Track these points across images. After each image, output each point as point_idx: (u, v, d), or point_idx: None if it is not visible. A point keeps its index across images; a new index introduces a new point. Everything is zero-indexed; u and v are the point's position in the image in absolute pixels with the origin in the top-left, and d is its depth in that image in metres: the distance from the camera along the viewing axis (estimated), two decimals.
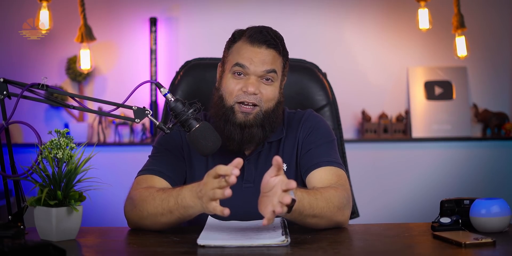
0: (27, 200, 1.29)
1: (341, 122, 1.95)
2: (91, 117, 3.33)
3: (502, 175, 3.33)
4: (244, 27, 1.59)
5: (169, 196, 1.34)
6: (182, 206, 1.31)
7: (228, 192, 1.19)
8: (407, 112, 3.37)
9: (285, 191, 1.19)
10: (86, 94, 3.31)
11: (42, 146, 1.28)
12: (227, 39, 1.60)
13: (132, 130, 3.33)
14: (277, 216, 1.34)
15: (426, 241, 1.27)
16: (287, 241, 1.21)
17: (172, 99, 1.38)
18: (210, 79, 1.84)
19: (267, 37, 1.52)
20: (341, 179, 1.50)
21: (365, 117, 3.34)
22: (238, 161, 1.21)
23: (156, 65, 3.31)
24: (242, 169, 1.39)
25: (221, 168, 1.20)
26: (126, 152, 3.29)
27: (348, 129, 3.36)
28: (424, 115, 3.39)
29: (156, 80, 3.24)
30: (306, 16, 3.42)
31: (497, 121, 3.34)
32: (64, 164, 1.28)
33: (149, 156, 1.60)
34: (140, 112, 1.38)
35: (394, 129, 3.36)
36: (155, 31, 3.31)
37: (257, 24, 1.58)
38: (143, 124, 3.32)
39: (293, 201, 1.22)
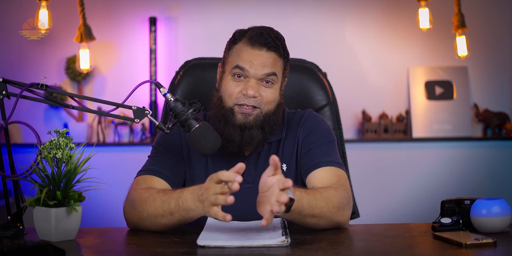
0: (26, 200, 1.29)
1: (341, 122, 1.94)
2: (90, 117, 3.32)
3: (503, 175, 3.33)
4: (244, 27, 1.58)
5: (170, 198, 1.34)
6: (183, 209, 1.31)
7: (230, 199, 1.19)
8: (408, 112, 3.37)
9: (283, 190, 1.19)
10: (85, 94, 3.30)
11: (42, 146, 1.28)
12: (227, 39, 1.59)
13: (131, 130, 3.33)
14: (276, 216, 1.34)
15: (426, 242, 1.27)
16: (287, 241, 1.21)
17: (172, 99, 1.38)
18: (209, 79, 1.83)
19: (267, 40, 1.51)
20: (341, 179, 1.49)
21: (366, 117, 3.34)
22: (241, 166, 1.20)
23: (155, 65, 3.30)
24: None
25: (223, 174, 1.19)
26: (125, 152, 3.29)
27: (349, 129, 3.35)
28: (425, 115, 3.38)
29: (155, 80, 3.23)
30: (306, 15, 3.41)
31: (498, 121, 3.34)
32: (64, 164, 1.28)
33: (148, 156, 1.59)
34: (139, 112, 1.38)
35: (395, 129, 3.35)
36: (155, 31, 3.31)
37: (257, 24, 1.57)
38: (143, 124, 3.32)
39: (292, 200, 1.21)
